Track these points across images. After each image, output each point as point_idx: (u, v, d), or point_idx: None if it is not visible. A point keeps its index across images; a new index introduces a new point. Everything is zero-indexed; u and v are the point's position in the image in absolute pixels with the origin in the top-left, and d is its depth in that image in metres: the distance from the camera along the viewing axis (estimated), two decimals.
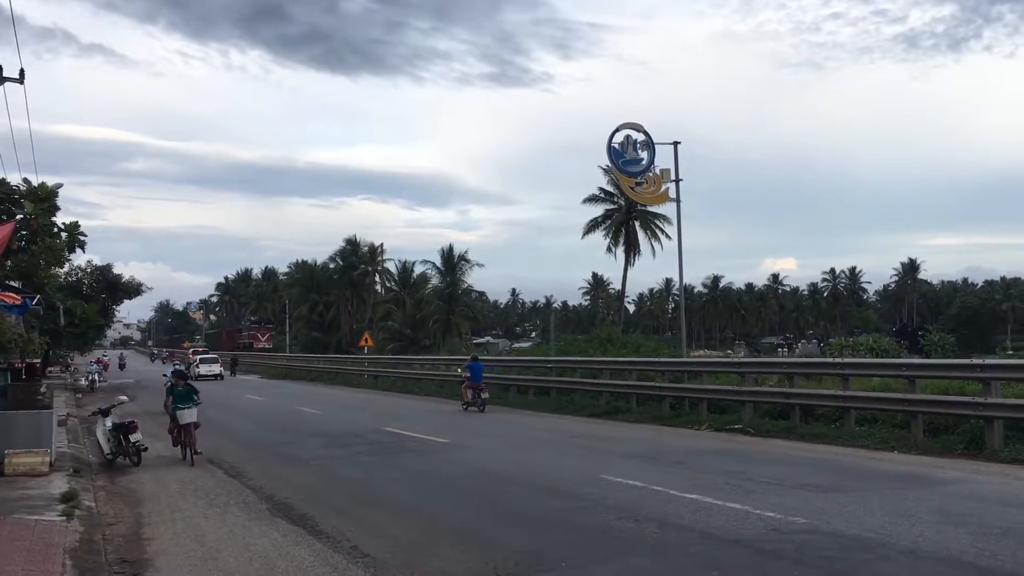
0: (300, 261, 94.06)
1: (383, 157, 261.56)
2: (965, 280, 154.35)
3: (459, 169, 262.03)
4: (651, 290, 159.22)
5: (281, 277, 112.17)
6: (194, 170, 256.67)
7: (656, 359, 25.57)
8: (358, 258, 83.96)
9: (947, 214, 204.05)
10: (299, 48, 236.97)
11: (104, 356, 70.89)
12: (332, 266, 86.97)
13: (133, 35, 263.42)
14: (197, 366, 53.92)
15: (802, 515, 9.15)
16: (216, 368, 55.39)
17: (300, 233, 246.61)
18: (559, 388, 26.50)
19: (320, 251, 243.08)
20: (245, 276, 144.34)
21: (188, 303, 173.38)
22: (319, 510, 10.46)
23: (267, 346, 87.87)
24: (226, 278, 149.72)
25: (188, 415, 15.51)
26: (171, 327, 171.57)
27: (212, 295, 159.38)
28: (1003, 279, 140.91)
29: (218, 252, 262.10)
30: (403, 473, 13.43)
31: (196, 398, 15.83)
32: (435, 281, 78.48)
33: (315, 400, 31.86)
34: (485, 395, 25.35)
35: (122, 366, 71.76)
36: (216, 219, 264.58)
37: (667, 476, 12.05)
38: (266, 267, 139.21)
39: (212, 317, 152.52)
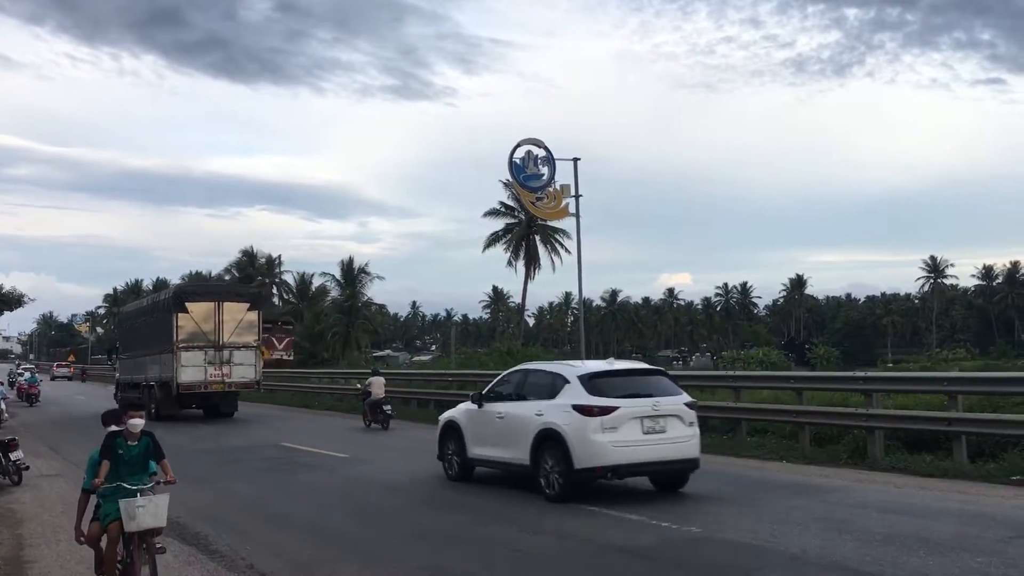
0: (194, 272, 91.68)
1: (282, 167, 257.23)
2: (848, 296, 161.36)
3: (360, 181, 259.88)
4: (551, 304, 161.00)
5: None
6: (83, 177, 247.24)
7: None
8: (255, 270, 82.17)
9: (832, 232, 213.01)
10: (196, 55, 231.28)
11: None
12: (228, 278, 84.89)
13: (18, 36, 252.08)
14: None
15: (696, 524, 9.39)
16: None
17: (195, 244, 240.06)
18: (459, 402, 26.38)
19: (215, 262, 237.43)
20: (135, 288, 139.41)
21: (73, 315, 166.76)
22: (213, 528, 10.19)
23: (284, 356, 61.87)
24: (115, 289, 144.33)
25: (144, 513, 7.04)
26: (55, 340, 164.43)
27: (99, 307, 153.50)
28: (883, 295, 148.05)
29: (107, 262, 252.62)
30: (301, 489, 13.20)
31: (158, 473, 7.65)
32: (334, 294, 77.47)
33: (208, 415, 30.96)
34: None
35: None
36: (106, 228, 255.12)
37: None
38: (158, 278, 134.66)
39: (99, 330, 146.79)
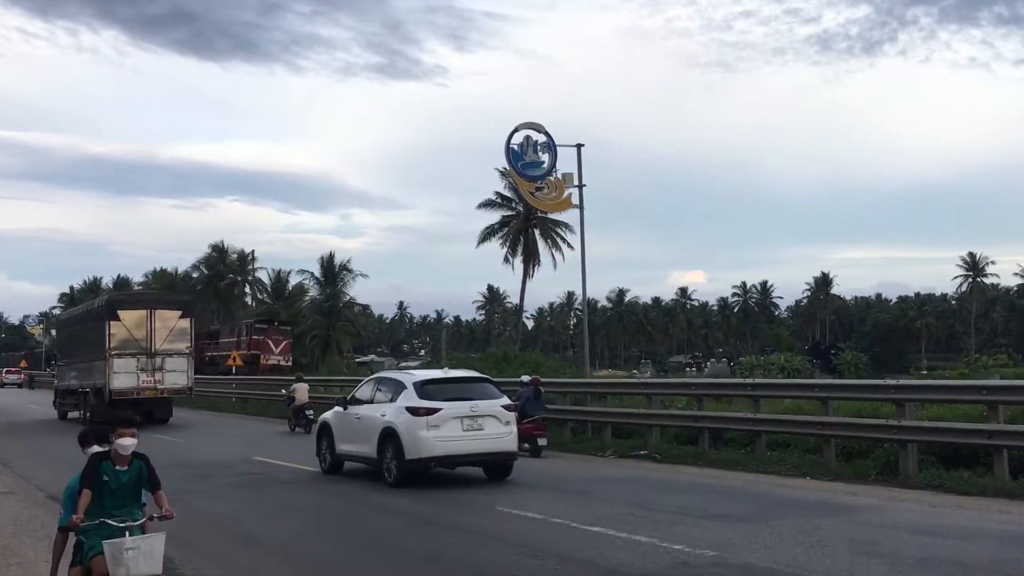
0: (159, 269, 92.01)
1: (256, 154, 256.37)
2: (879, 296, 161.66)
3: (341, 169, 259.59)
4: (551, 304, 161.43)
5: (136, 287, 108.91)
6: (36, 164, 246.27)
7: (556, 380, 25.83)
8: (226, 266, 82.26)
9: (861, 226, 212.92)
10: (161, 30, 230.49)
11: None
12: (196, 275, 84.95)
13: None
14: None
15: (711, 547, 9.40)
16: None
17: (159, 238, 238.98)
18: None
19: (182, 258, 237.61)
20: (94, 286, 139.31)
21: (26, 316, 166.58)
22: (180, 549, 10.15)
23: (282, 362, 57.56)
24: (71, 288, 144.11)
25: (135, 557, 6.16)
26: (6, 344, 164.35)
27: (55, 307, 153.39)
28: (917, 295, 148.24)
29: (63, 258, 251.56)
30: (276, 507, 13.24)
31: (148, 505, 6.85)
32: (313, 293, 77.46)
33: (175, 427, 30.98)
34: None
35: None
36: (62, 220, 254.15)
37: (568, 507, 12.19)
38: (119, 276, 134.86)
39: (53, 333, 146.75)
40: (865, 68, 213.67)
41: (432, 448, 14.27)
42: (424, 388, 14.82)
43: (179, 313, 32.02)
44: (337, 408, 16.88)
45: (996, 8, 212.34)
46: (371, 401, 15.90)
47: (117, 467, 6.50)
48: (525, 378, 20.76)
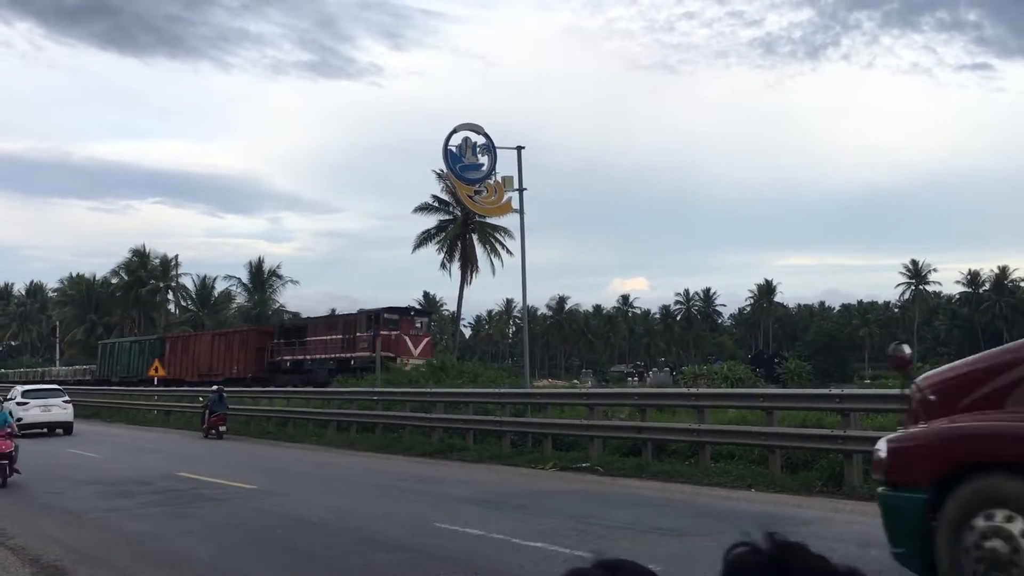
0: (75, 275, 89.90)
1: (180, 154, 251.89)
2: (822, 304, 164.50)
3: (271, 170, 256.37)
4: (490, 312, 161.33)
5: (51, 294, 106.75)
6: None
7: (495, 390, 25.84)
8: (147, 272, 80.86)
9: (804, 233, 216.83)
10: (79, 22, 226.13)
11: None
12: (115, 281, 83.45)
13: None
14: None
15: (656, 562, 9.41)
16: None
17: (75, 241, 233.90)
18: (385, 424, 26.37)
19: (100, 263, 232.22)
20: (4, 292, 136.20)
21: None
22: (99, 573, 9.98)
23: (416, 358, 42.80)
24: None
25: None
26: None
27: None
28: (860, 303, 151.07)
29: None
30: (202, 525, 12.99)
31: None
32: (241, 300, 76.86)
33: (93, 441, 30.38)
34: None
35: None
36: None
37: (509, 522, 12.19)
38: (31, 282, 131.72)
39: None
40: (808, 72, 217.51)
41: (27, 418, 30.13)
42: (24, 392, 33.05)
43: None
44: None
45: (938, 14, 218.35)
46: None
47: None
48: (214, 387, 32.88)
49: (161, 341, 59.31)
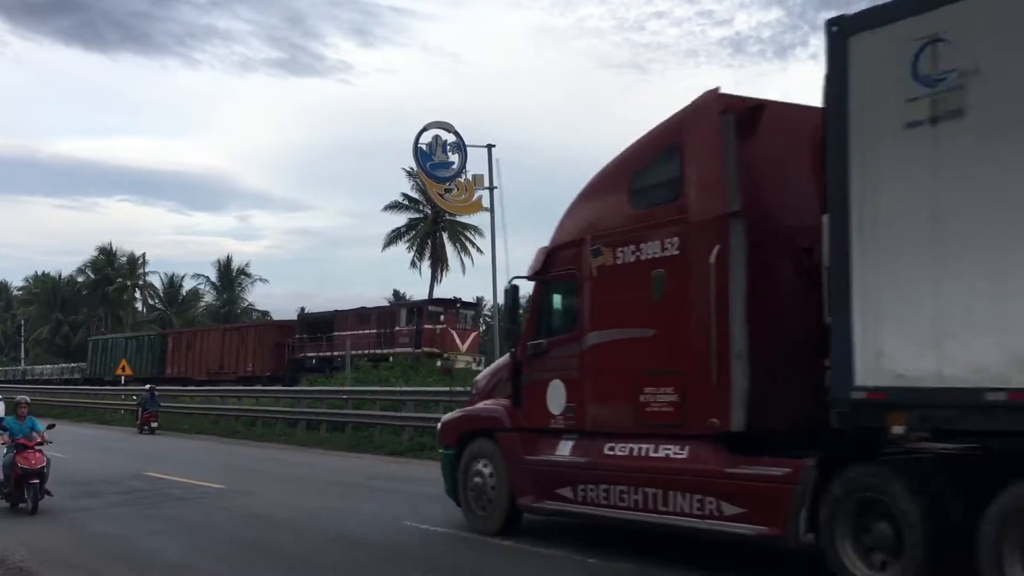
0: (40, 273, 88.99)
1: (147, 151, 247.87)
2: None
3: (239, 168, 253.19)
4: None
5: (16, 292, 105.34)
6: None
7: (467, 389, 25.83)
8: (114, 270, 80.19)
9: None
10: (45, 18, 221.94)
11: None
12: (81, 279, 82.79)
13: None
14: None
15: (626, 559, 9.55)
16: None
17: (42, 239, 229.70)
18: (355, 423, 26.33)
19: (67, 261, 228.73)
20: None
21: None
22: (66, 574, 9.96)
23: (464, 354, 41.00)
24: None
25: None
26: None
27: None
28: None
29: None
30: (169, 525, 12.95)
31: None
32: (209, 298, 76.45)
33: (59, 441, 30.07)
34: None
35: None
36: None
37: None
38: None
39: None
40: (777, 72, 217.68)
41: None
42: None
43: None
44: None
45: None
46: None
47: None
48: (147, 387, 34.85)
49: (162, 338, 56.97)
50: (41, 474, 13.87)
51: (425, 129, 27.77)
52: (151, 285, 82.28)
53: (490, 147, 28.52)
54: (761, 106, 8.89)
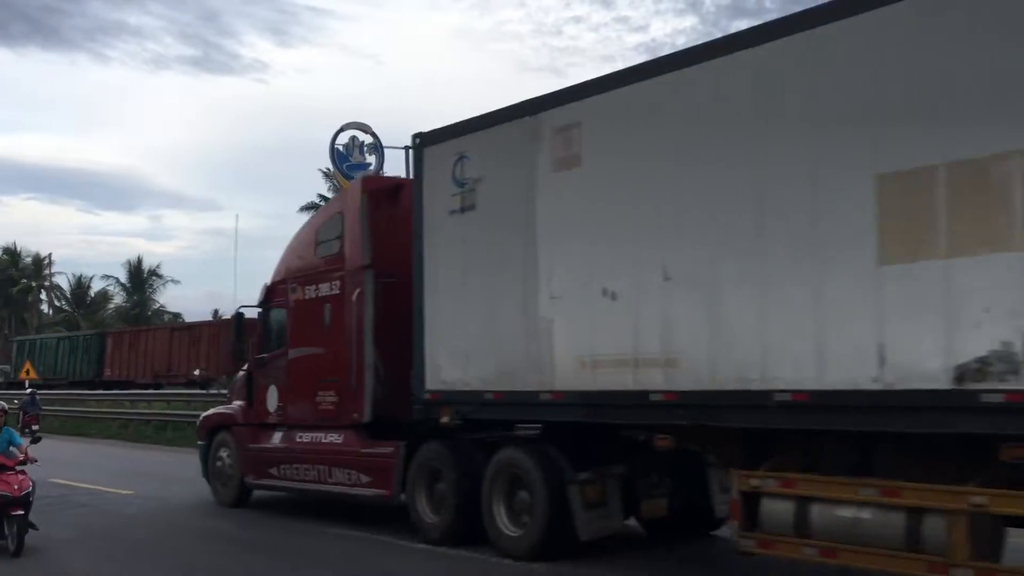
0: None
1: (54, 149, 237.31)
2: None
3: (151, 167, 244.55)
4: None
5: None
6: None
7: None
8: (18, 271, 78.18)
9: None
10: None
11: None
12: None
13: None
14: None
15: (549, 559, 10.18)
16: None
17: None
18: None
19: None
20: None
21: None
22: None
23: None
24: None
25: None
26: None
27: None
28: None
29: None
30: (77, 534, 12.52)
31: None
32: (119, 300, 76.18)
33: None
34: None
35: None
36: None
37: (393, 525, 12.17)
38: None
39: None
40: None
41: None
42: None
43: None
44: None
45: None
46: None
47: None
48: (28, 390, 33.98)
49: (100, 337, 52.15)
50: (26, 503, 10.89)
51: (342, 130, 27.74)
52: (58, 286, 79.32)
53: (407, 148, 28.48)
54: (400, 185, 12.35)
